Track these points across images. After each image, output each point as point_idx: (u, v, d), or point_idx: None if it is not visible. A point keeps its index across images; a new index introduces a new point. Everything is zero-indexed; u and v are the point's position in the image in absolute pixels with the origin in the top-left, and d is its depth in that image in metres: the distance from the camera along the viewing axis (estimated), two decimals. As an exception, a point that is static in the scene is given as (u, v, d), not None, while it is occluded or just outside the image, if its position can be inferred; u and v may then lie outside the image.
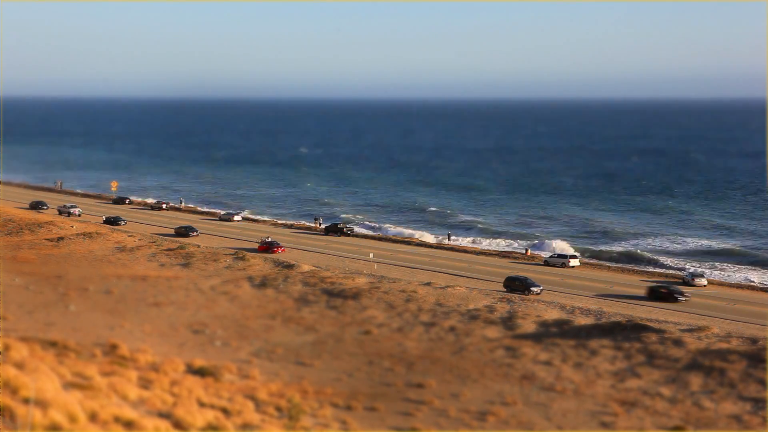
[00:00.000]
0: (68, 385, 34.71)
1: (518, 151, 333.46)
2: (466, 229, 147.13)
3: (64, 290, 78.19)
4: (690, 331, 66.74)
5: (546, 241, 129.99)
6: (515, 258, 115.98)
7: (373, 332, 67.48)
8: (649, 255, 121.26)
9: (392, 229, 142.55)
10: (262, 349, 61.13)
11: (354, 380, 54.34)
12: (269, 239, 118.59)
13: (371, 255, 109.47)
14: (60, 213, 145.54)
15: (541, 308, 74.62)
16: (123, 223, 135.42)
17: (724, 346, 61.14)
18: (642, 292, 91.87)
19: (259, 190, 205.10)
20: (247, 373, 52.53)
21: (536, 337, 65.57)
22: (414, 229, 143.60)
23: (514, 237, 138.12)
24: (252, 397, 44.91)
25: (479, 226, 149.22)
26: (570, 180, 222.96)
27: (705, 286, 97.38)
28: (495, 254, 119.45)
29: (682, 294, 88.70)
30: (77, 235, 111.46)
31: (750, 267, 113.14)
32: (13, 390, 28.95)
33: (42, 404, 27.70)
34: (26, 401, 27.61)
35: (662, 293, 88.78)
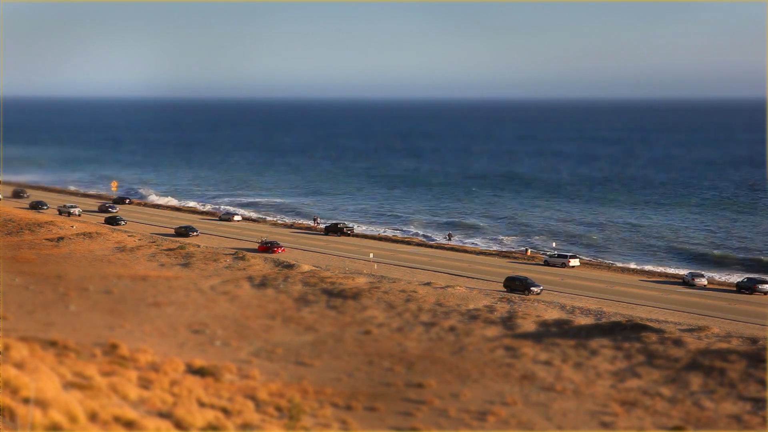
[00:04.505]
0: (68, 385, 34.72)
1: (520, 150, 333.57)
2: (467, 229, 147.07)
3: (64, 290, 78.19)
4: (690, 331, 66.76)
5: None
6: (515, 258, 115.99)
7: (373, 332, 67.49)
8: (648, 254, 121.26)
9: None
10: (262, 349, 61.13)
11: (354, 380, 54.35)
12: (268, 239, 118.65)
13: (371, 255, 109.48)
14: (60, 213, 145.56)
15: (541, 308, 74.63)
16: (123, 223, 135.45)
17: (724, 346, 61.15)
18: (640, 291, 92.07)
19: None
20: (247, 373, 52.53)
21: (536, 337, 65.59)
22: (416, 229, 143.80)
23: (514, 236, 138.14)
24: (252, 397, 44.92)
25: (480, 226, 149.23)
26: (570, 180, 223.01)
27: (705, 285, 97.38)
28: (495, 254, 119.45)
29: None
30: (77, 235, 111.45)
31: (750, 267, 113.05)
32: (13, 390, 28.96)
33: (42, 404, 27.71)
34: (26, 401, 27.62)
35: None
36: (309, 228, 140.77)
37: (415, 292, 79.57)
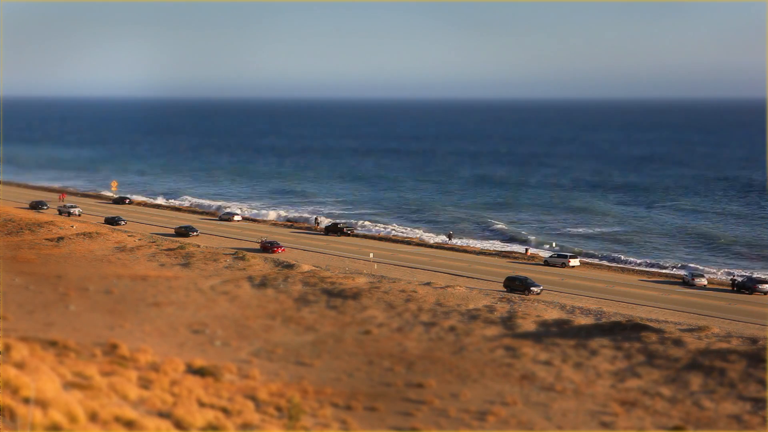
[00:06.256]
0: (68, 385, 34.71)
1: (519, 150, 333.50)
2: (467, 229, 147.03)
3: (64, 290, 78.18)
4: (690, 331, 66.78)
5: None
6: (515, 258, 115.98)
7: (373, 332, 67.49)
8: (648, 254, 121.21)
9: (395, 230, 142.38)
10: (262, 349, 61.14)
11: (354, 380, 54.35)
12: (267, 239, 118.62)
13: (371, 255, 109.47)
14: (60, 213, 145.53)
15: (541, 308, 74.64)
16: (123, 223, 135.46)
17: (724, 346, 61.16)
18: (640, 291, 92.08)
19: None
20: (247, 373, 52.53)
21: (536, 337, 65.59)
22: (414, 229, 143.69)
23: (514, 236, 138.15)
24: (252, 397, 44.92)
25: (480, 226, 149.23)
26: (569, 180, 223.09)
27: (705, 285, 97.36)
28: (495, 254, 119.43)
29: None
30: (77, 235, 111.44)
31: (750, 267, 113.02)
32: (13, 390, 28.96)
33: (42, 404, 27.72)
34: (26, 401, 27.63)
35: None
36: (309, 228, 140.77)
37: (415, 292, 79.58)
